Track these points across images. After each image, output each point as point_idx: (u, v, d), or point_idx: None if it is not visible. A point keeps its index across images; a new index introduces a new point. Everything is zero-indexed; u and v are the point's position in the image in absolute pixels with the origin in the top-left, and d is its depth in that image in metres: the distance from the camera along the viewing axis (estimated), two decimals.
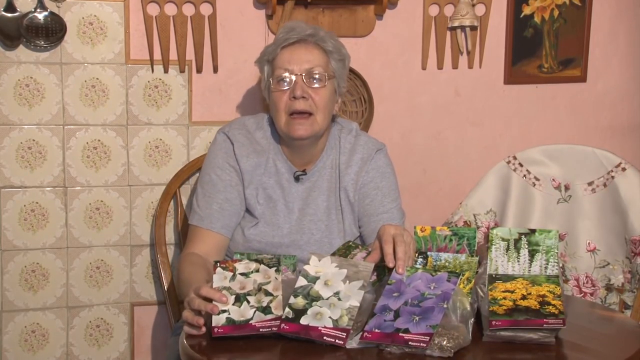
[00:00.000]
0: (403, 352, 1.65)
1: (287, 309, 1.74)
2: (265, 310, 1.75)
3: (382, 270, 1.88)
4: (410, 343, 1.64)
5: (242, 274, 1.78)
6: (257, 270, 1.79)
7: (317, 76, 2.19)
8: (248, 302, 1.75)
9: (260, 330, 1.72)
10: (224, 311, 1.73)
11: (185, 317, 1.78)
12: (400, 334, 1.66)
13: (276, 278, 1.79)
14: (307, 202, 2.26)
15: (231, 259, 1.91)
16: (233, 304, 1.74)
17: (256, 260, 1.80)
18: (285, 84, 2.19)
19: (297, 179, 2.27)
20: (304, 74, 2.18)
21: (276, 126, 2.24)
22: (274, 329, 1.72)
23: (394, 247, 1.84)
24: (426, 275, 1.78)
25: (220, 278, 1.77)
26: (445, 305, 1.69)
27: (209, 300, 1.74)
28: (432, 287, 1.75)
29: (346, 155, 2.30)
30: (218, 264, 1.79)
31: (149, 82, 2.63)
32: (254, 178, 2.25)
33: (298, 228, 2.25)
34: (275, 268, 1.80)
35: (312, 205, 2.26)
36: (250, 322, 1.73)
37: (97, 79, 2.59)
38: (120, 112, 2.62)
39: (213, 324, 1.72)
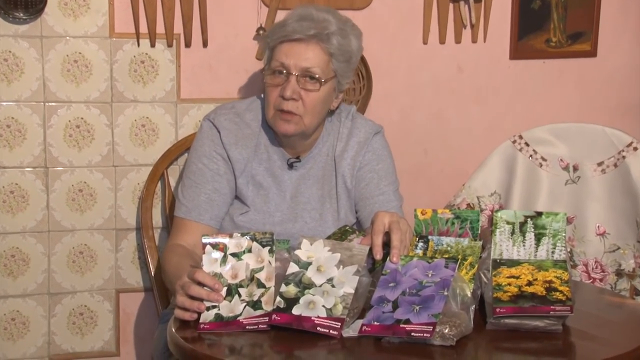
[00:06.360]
0: (402, 341, 1.64)
1: (278, 298, 1.73)
2: (255, 305, 1.74)
3: (386, 256, 1.85)
4: (413, 334, 1.62)
5: (233, 255, 1.75)
6: (250, 250, 1.76)
7: (312, 77, 2.15)
8: (239, 295, 1.74)
9: (247, 327, 1.72)
10: (214, 306, 1.72)
11: (181, 302, 1.77)
12: (402, 325, 1.64)
13: (270, 262, 1.76)
14: (299, 190, 2.26)
15: None
16: (224, 297, 1.74)
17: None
18: (278, 79, 2.16)
19: (290, 166, 2.26)
20: (298, 74, 2.14)
21: (265, 114, 2.23)
22: (260, 326, 1.72)
23: (390, 235, 1.82)
24: (422, 263, 1.77)
25: (210, 260, 1.75)
26: (445, 293, 1.67)
27: (203, 286, 1.75)
28: (429, 275, 1.73)
29: (343, 142, 2.29)
30: (207, 241, 1.76)
31: (134, 57, 2.61)
32: (245, 167, 2.23)
33: (291, 216, 2.24)
34: (268, 247, 1.77)
35: (306, 193, 2.26)
36: (238, 318, 1.72)
37: (80, 53, 2.56)
38: (104, 89, 2.60)
39: (200, 320, 1.72)
